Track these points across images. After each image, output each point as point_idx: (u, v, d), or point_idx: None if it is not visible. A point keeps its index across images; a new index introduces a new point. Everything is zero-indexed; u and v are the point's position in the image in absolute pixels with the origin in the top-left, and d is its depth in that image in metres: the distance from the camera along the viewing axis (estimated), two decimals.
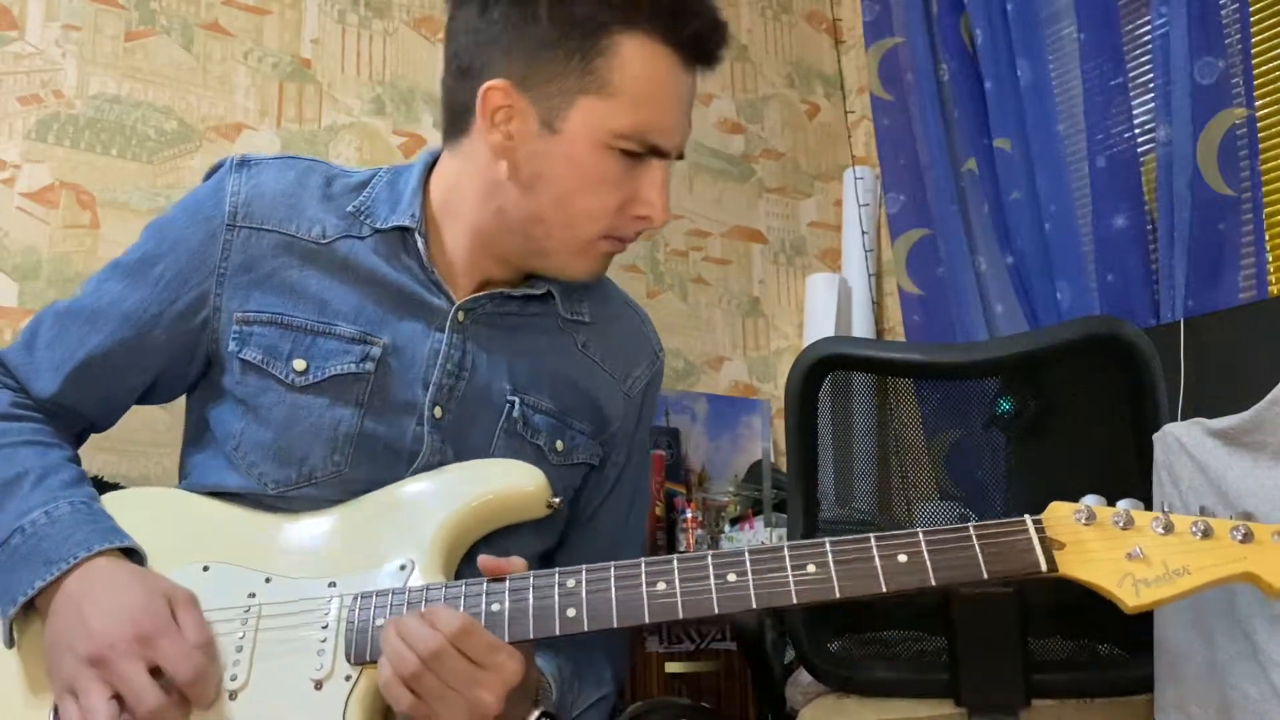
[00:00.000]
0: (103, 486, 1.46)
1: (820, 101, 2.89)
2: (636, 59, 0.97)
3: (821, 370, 1.30)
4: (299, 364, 1.01)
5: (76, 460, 1.04)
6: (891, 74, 2.66)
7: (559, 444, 1.08)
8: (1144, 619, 1.17)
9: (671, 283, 2.56)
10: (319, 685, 0.89)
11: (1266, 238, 1.90)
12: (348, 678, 0.89)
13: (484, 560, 0.90)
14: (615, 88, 0.97)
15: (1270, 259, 1.91)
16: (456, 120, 1.05)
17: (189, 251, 1.04)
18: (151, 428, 1.72)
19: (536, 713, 0.91)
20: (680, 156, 1.05)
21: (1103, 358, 1.21)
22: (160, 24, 2.05)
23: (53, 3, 1.95)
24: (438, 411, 1.03)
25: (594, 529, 1.15)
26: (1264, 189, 1.92)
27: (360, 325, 1.03)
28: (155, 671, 0.86)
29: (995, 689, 1.22)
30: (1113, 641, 1.26)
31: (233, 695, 0.89)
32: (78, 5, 1.98)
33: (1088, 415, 1.30)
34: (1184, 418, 1.16)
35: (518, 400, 1.06)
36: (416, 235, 1.05)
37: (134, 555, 0.95)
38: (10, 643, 0.93)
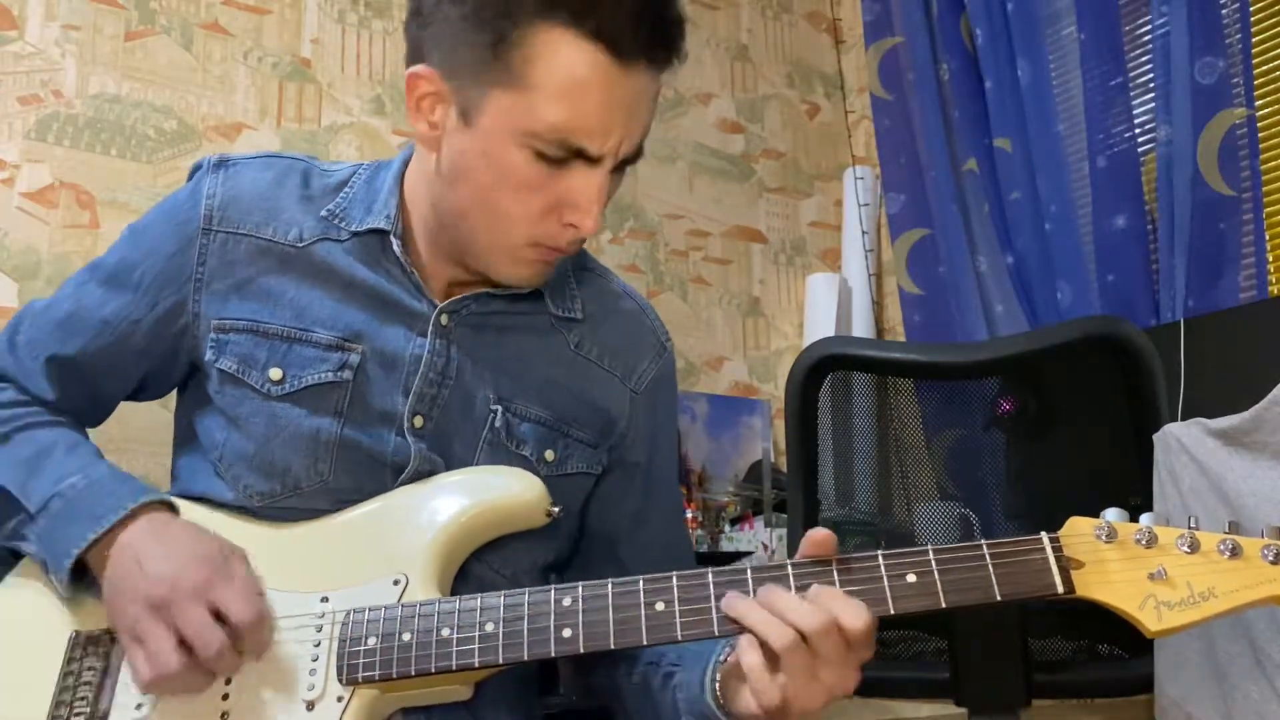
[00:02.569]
0: None
1: (820, 101, 2.89)
2: (553, 53, 0.88)
3: (822, 370, 1.31)
4: (275, 373, 0.98)
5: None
6: (891, 74, 2.66)
7: (549, 454, 1.03)
8: None
9: (671, 283, 2.55)
10: (310, 706, 0.87)
11: (1267, 238, 1.90)
12: (339, 699, 0.87)
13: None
14: (529, 83, 0.88)
15: (1270, 259, 1.90)
16: None
17: (166, 257, 1.02)
18: (151, 427, 1.71)
19: None
20: (631, 161, 0.97)
21: (1103, 358, 1.21)
22: (160, 24, 2.05)
23: (53, 3, 1.95)
24: (418, 421, 0.99)
25: (648, 539, 1.09)
26: (1264, 189, 1.91)
27: (338, 331, 0.99)
28: (217, 618, 0.86)
29: (995, 689, 1.21)
30: (1113, 641, 1.26)
31: (224, 716, 0.87)
32: (78, 5, 1.97)
33: (1088, 415, 1.30)
34: (1184, 418, 1.16)
35: (501, 409, 1.01)
36: (392, 238, 1.01)
37: (175, 510, 0.95)
38: (71, 594, 0.93)
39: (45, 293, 1.84)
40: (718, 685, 0.87)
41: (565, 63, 0.88)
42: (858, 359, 1.32)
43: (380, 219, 1.02)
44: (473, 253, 0.99)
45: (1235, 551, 0.78)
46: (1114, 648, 1.26)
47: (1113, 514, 0.82)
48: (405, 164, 1.06)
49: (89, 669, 0.90)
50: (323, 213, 1.03)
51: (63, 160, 1.91)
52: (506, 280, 1.01)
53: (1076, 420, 1.32)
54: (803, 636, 0.78)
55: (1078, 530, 0.82)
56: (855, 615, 0.78)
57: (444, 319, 1.01)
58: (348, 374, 0.99)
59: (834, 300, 2.56)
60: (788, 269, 2.73)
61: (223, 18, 2.11)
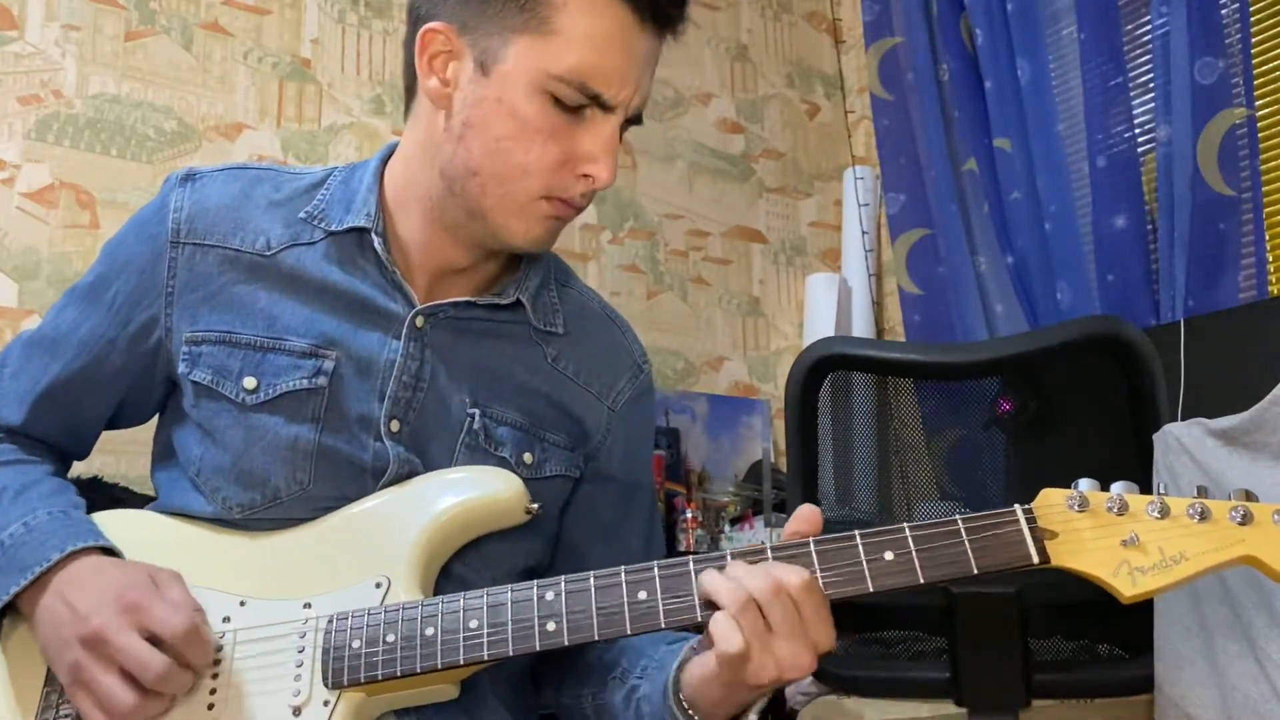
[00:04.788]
0: (102, 487, 1.47)
1: (820, 101, 2.89)
2: (580, 2, 0.92)
3: (821, 370, 1.31)
4: (249, 382, 0.97)
5: (59, 474, 1.03)
6: (891, 74, 2.66)
7: (527, 456, 1.02)
8: (1144, 619, 1.17)
9: (671, 283, 2.56)
10: (297, 712, 0.86)
11: (1266, 238, 1.90)
12: (325, 703, 0.86)
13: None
14: (554, 27, 0.92)
15: (1270, 259, 1.91)
16: (410, 76, 1.02)
17: (137, 273, 1.01)
18: (151, 428, 1.72)
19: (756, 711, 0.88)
20: (636, 121, 0.99)
21: (1103, 358, 1.22)
22: (160, 24, 2.05)
23: (53, 3, 1.95)
24: (394, 425, 0.98)
25: (624, 553, 1.07)
26: (1264, 189, 1.91)
27: (311, 338, 0.98)
28: (152, 641, 0.85)
29: (995, 689, 1.22)
30: (1113, 641, 1.26)
31: None
32: (78, 5, 1.98)
33: (1088, 415, 1.30)
34: (1184, 418, 1.17)
35: (478, 413, 1.00)
36: (373, 235, 1.00)
37: (113, 555, 0.94)
38: None
39: (45, 293, 1.85)
40: (680, 686, 0.88)
41: (590, 11, 0.92)
42: (858, 359, 1.32)
43: (360, 217, 1.01)
44: (481, 213, 0.97)
45: (1204, 515, 0.79)
46: (1114, 648, 1.26)
47: (1085, 484, 0.83)
48: (383, 162, 1.06)
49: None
50: (300, 214, 1.02)
51: (63, 160, 1.92)
52: (514, 242, 0.99)
53: (1076, 420, 1.32)
54: (755, 601, 0.80)
55: (1051, 501, 0.83)
56: (793, 572, 0.80)
57: (419, 321, 1.00)
58: (322, 380, 0.98)
59: (834, 300, 2.56)
60: (788, 269, 2.73)
61: (223, 18, 2.12)
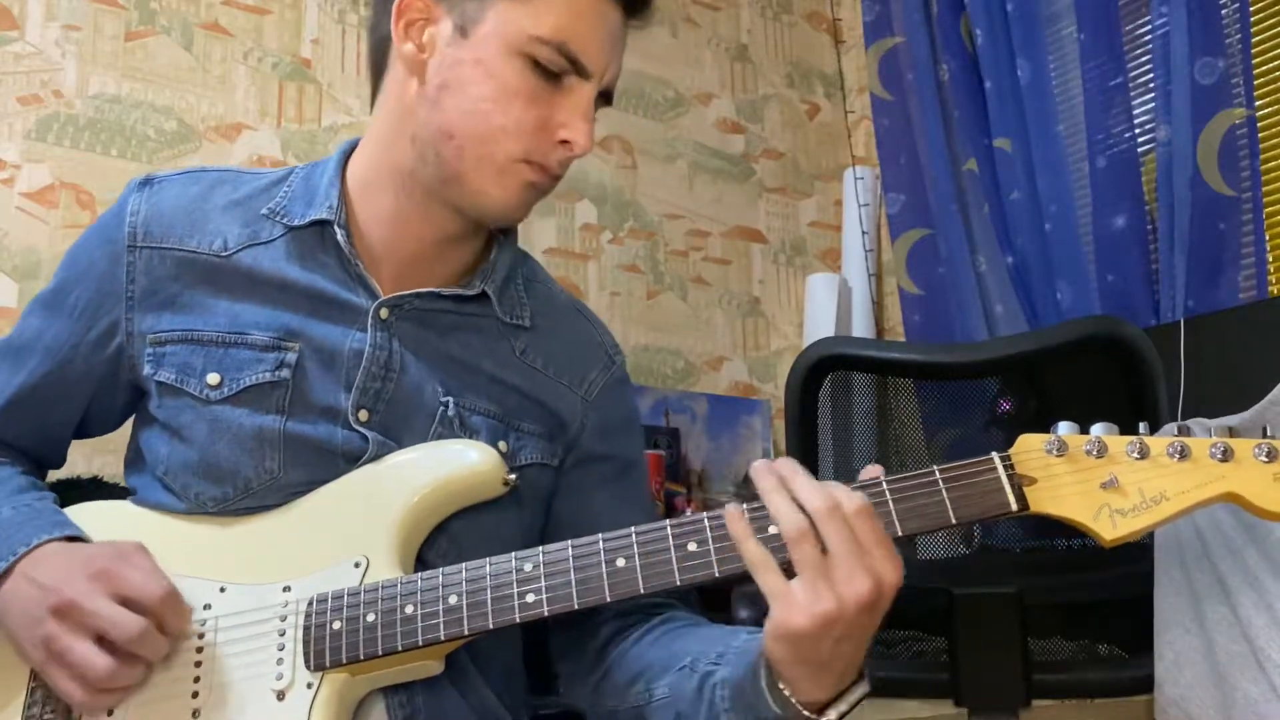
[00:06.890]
0: (103, 487, 1.47)
1: (820, 101, 2.89)
2: None
3: (821, 370, 1.31)
4: (213, 378, 0.97)
5: (29, 473, 1.03)
6: (891, 74, 2.66)
7: (501, 445, 1.01)
8: (1144, 619, 1.17)
9: (671, 283, 2.56)
10: (281, 696, 0.87)
11: (1266, 238, 1.90)
12: (309, 685, 0.86)
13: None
14: None
15: (1270, 259, 1.91)
16: (378, 59, 1.03)
17: (97, 278, 1.02)
18: None
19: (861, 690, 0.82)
20: (607, 100, 1.00)
21: (1103, 358, 1.22)
22: (160, 24, 2.05)
23: (53, 3, 1.95)
24: (363, 415, 0.97)
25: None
26: (1264, 189, 1.92)
27: (274, 331, 0.98)
28: (127, 606, 0.85)
29: (995, 689, 1.22)
30: (1113, 641, 1.26)
31: (195, 714, 0.87)
32: (78, 5, 1.98)
33: (1088, 415, 1.30)
34: (1184, 418, 1.17)
35: (452, 401, 1.00)
36: (335, 227, 1.00)
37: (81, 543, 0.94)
38: None
39: None
40: (771, 664, 0.82)
41: None
42: (858, 359, 1.32)
43: (322, 209, 1.01)
44: (457, 177, 0.97)
45: (1184, 453, 0.78)
46: (1114, 648, 1.26)
47: (1064, 427, 0.82)
48: (345, 156, 1.06)
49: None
50: (262, 211, 1.03)
51: (63, 160, 1.92)
52: (490, 208, 0.99)
53: (1076, 420, 1.32)
54: (810, 521, 0.76)
55: (1029, 446, 0.81)
56: (850, 496, 0.77)
57: (384, 312, 1.00)
58: (285, 373, 0.98)
59: (834, 300, 2.56)
60: (788, 269, 2.73)
61: (223, 18, 2.12)
